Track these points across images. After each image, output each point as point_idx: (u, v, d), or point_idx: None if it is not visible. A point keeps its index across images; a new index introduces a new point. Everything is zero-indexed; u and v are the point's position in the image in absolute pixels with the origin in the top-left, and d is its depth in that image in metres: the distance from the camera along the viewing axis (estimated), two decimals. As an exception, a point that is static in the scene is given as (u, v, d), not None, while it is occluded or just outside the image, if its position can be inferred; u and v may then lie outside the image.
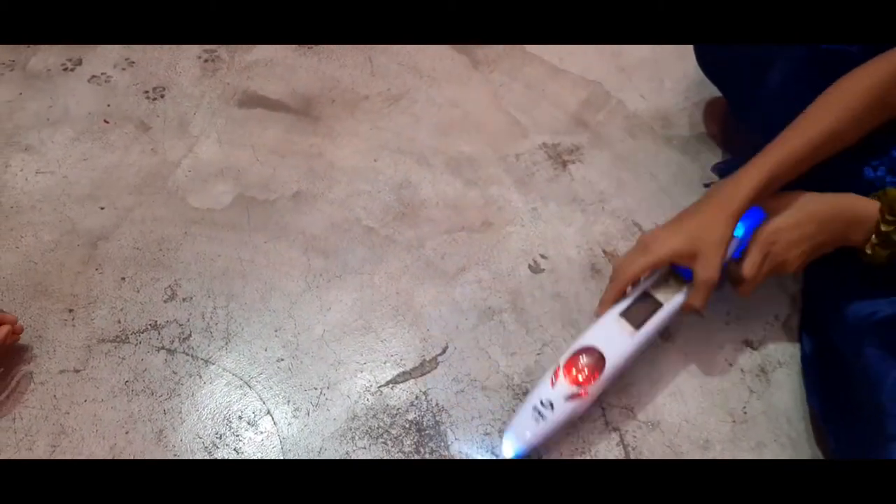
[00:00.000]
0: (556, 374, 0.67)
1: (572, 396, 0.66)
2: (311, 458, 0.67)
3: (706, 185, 0.92)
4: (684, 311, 0.72)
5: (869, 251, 0.70)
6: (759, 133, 0.77)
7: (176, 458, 0.66)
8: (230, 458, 0.66)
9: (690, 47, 1.01)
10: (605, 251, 0.86)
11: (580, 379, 0.67)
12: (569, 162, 0.95)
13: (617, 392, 0.74)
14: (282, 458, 0.67)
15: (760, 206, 0.72)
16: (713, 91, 1.02)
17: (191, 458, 0.66)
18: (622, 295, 0.72)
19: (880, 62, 0.70)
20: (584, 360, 0.68)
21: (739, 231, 0.71)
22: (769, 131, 0.72)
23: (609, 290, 0.71)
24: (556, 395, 0.66)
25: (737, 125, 0.96)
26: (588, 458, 0.69)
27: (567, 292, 0.82)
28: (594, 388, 0.67)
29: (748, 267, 0.69)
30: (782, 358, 0.79)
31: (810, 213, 0.70)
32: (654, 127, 1.01)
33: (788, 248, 0.70)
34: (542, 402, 0.66)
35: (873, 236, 0.69)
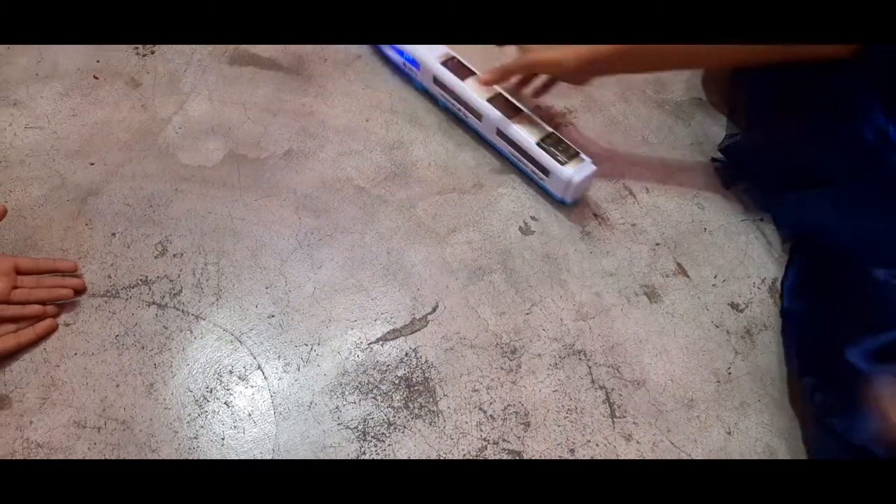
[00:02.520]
0: None
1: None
2: (302, 411, 0.68)
3: (714, 161, 0.92)
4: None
5: None
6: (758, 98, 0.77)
7: (166, 410, 0.67)
8: (220, 411, 0.67)
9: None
10: (594, 214, 0.86)
11: None
12: (561, 125, 0.95)
13: (603, 351, 0.75)
14: (272, 411, 0.68)
15: None
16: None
17: (181, 410, 0.67)
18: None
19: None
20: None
21: None
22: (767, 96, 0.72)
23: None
24: None
25: (738, 91, 0.96)
26: (574, 416, 0.70)
27: (556, 253, 0.82)
28: None
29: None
30: (767, 321, 0.80)
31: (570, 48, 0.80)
32: (648, 91, 1.01)
33: (546, 50, 0.81)
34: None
35: None
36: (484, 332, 0.75)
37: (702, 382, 0.75)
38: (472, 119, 0.90)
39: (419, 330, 0.75)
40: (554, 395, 0.72)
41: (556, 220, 0.85)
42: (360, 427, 0.68)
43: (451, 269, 0.80)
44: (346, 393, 0.70)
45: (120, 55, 0.97)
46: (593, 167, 0.83)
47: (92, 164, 0.84)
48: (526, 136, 0.84)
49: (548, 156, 0.82)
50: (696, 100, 1.01)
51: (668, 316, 0.79)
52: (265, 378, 0.70)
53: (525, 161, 0.86)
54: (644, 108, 0.98)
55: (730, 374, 0.76)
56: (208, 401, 0.68)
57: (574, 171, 0.81)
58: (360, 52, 1.01)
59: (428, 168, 0.89)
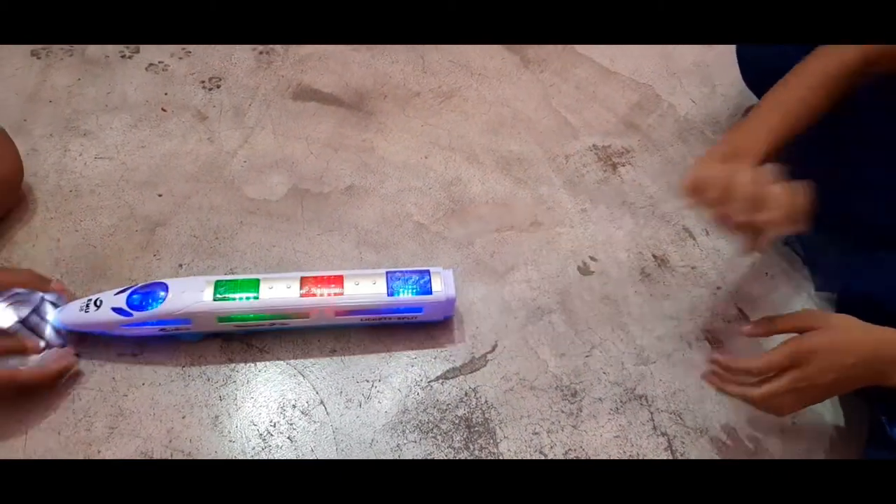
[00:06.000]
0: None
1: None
2: (364, 448, 0.68)
3: None
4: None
5: None
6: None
7: (231, 443, 0.67)
8: (284, 446, 0.68)
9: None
10: (654, 255, 0.86)
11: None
12: (619, 164, 0.95)
13: (665, 397, 0.74)
14: (334, 447, 0.68)
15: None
16: (765, 97, 1.01)
17: (245, 443, 0.67)
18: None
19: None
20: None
21: None
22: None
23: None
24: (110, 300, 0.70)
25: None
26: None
27: (616, 295, 0.82)
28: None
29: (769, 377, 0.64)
30: (832, 370, 0.78)
31: (854, 341, 0.63)
32: (706, 132, 1.01)
33: (822, 373, 0.62)
34: (95, 302, 0.70)
35: None
36: (544, 373, 0.75)
37: (766, 433, 0.73)
38: (296, 321, 0.74)
39: (478, 369, 0.75)
40: (615, 441, 0.71)
41: (615, 262, 0.85)
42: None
43: (510, 307, 0.80)
44: (407, 431, 0.70)
45: (187, 88, 1.00)
46: (448, 271, 0.75)
47: (160, 195, 0.87)
48: (365, 292, 0.72)
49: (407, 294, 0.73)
50: (754, 142, 1.00)
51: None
52: (327, 413, 0.70)
53: (382, 316, 0.75)
54: (703, 148, 0.98)
55: (794, 423, 0.74)
56: (272, 435, 0.68)
57: (443, 288, 0.73)
58: (419, 89, 1.03)
59: (486, 205, 0.90)
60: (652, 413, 0.73)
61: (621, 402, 0.73)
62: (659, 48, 1.11)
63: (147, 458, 0.66)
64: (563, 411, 0.72)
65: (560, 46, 1.11)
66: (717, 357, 0.67)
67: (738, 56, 0.94)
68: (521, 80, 1.06)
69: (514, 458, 0.69)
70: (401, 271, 0.74)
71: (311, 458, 0.67)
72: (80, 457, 0.65)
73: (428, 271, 0.74)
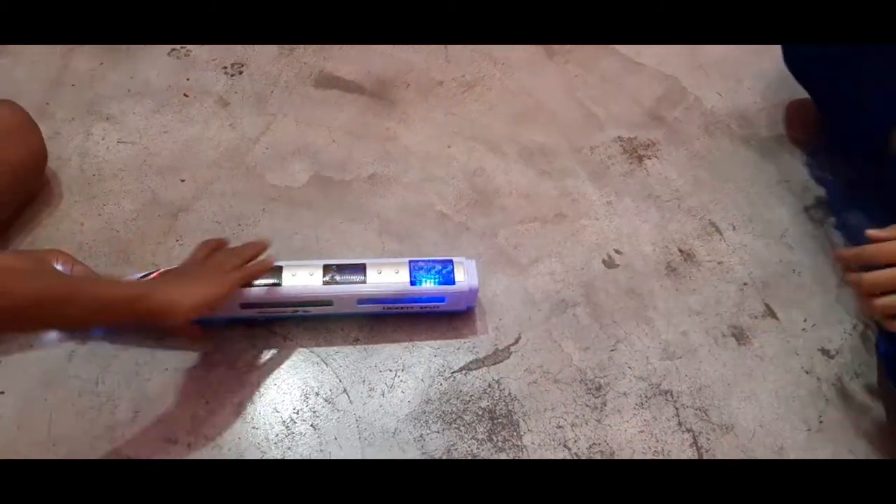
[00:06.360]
0: None
1: None
2: (387, 438, 0.68)
3: None
4: None
5: None
6: (856, 138, 0.75)
7: (255, 430, 0.67)
8: (307, 433, 0.67)
9: (769, 45, 0.99)
10: (680, 250, 0.85)
11: None
12: (644, 157, 0.94)
13: (691, 392, 0.73)
14: (357, 436, 0.68)
15: None
16: (793, 92, 0.99)
17: (269, 430, 0.67)
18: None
19: None
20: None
21: None
22: (870, 137, 0.70)
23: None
24: None
25: (822, 129, 0.94)
26: (661, 458, 0.69)
27: (641, 289, 0.81)
28: None
29: None
30: (859, 369, 0.77)
31: None
32: (732, 126, 0.99)
33: None
34: None
35: None
36: (568, 366, 0.74)
37: (792, 430, 0.72)
38: (319, 309, 0.73)
39: (502, 361, 0.74)
40: (640, 436, 0.70)
41: (641, 255, 0.84)
42: (444, 458, 0.67)
43: (534, 300, 0.79)
44: (430, 422, 0.69)
45: (209, 74, 0.99)
46: (471, 261, 0.75)
47: (182, 180, 0.86)
48: (388, 280, 0.72)
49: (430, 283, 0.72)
50: (781, 136, 0.99)
51: (757, 359, 0.77)
52: (350, 402, 0.70)
53: (404, 305, 0.74)
54: (729, 143, 0.97)
55: (821, 422, 0.73)
56: (295, 422, 0.68)
57: (466, 278, 0.73)
58: (441, 78, 1.02)
59: (509, 196, 0.89)
60: (677, 409, 0.72)
61: (646, 396, 0.73)
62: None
63: (171, 441, 0.66)
64: (587, 405, 0.72)
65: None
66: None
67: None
68: (544, 71, 1.05)
69: (538, 450, 0.68)
70: (423, 260, 0.74)
71: (334, 447, 0.67)
72: (105, 441, 0.65)
73: (451, 261, 0.74)
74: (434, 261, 0.74)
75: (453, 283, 0.72)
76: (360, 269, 0.72)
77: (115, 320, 0.66)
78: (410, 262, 0.73)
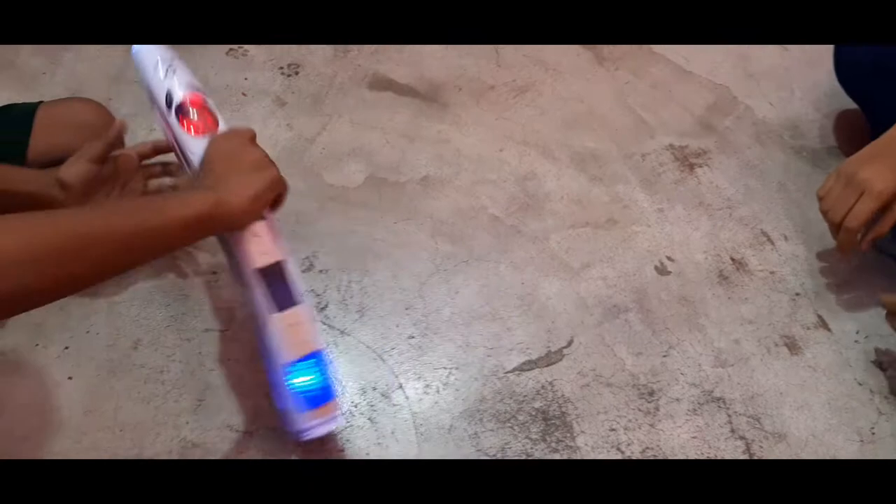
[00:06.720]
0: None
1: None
2: (442, 434, 0.69)
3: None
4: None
5: None
6: None
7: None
8: (365, 426, 0.69)
9: (821, 55, 0.99)
10: (732, 258, 0.85)
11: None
12: (696, 165, 0.95)
13: (743, 400, 0.74)
14: (413, 431, 0.69)
15: None
16: (845, 103, 0.99)
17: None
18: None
19: None
20: None
21: None
22: None
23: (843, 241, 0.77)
24: None
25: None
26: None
27: (693, 296, 0.81)
28: None
29: None
30: (913, 382, 0.77)
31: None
32: (784, 136, 0.99)
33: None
34: None
35: None
36: (620, 371, 0.75)
37: (844, 441, 0.72)
38: None
39: (554, 363, 0.75)
40: (693, 442, 0.70)
41: (693, 263, 0.84)
42: (498, 456, 0.68)
43: (586, 304, 0.80)
44: (485, 420, 0.70)
45: (266, 74, 1.01)
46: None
47: (242, 177, 0.88)
48: None
49: None
50: (833, 148, 0.98)
51: (810, 370, 0.77)
52: (406, 398, 0.71)
53: None
54: (781, 153, 0.97)
55: (873, 434, 0.73)
56: (353, 416, 0.69)
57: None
58: (493, 83, 1.03)
59: (560, 201, 0.90)
60: (730, 416, 0.73)
61: (699, 403, 0.73)
62: (736, 49, 1.10)
63: (234, 430, 0.67)
64: (639, 409, 0.72)
65: (635, 45, 1.10)
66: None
67: (835, 52, 0.92)
68: (595, 77, 1.06)
69: (592, 452, 0.69)
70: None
71: (391, 441, 0.68)
72: (170, 427, 0.67)
73: None
74: None
75: None
76: None
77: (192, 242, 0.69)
78: None
